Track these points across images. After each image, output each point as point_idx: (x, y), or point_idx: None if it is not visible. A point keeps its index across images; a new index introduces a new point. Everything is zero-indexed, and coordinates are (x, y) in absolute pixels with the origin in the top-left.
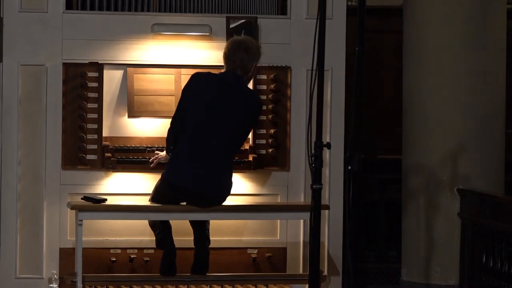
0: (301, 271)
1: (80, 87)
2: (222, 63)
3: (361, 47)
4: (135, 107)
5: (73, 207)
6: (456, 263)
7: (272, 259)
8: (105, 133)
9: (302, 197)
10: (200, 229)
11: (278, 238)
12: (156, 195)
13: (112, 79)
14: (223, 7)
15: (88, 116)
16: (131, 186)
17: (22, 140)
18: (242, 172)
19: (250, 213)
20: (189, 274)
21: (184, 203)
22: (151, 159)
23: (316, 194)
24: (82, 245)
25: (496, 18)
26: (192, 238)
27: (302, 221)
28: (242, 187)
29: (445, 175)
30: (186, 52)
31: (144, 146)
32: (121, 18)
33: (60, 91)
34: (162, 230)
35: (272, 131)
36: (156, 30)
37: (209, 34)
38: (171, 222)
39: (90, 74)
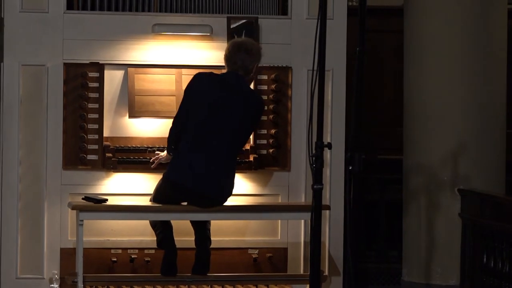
0: (302, 271)
1: (81, 87)
2: (223, 63)
3: (362, 47)
4: (136, 107)
5: (74, 207)
6: (457, 263)
7: (273, 259)
8: (106, 133)
9: (303, 197)
10: (201, 229)
11: (279, 238)
12: (157, 195)
13: (113, 79)
14: (223, 7)
15: (89, 116)
16: (132, 186)
17: (23, 140)
18: (243, 172)
19: (251, 213)
20: (190, 274)
21: (185, 203)
22: (151, 160)
23: (317, 194)
24: (83, 245)
25: (497, 18)
26: (193, 238)
27: (303, 221)
28: (243, 187)
29: (446, 175)
30: (187, 52)
31: (145, 146)
32: (122, 18)
33: (61, 91)
34: (163, 230)
35: (273, 131)
36: (157, 30)
37: (210, 34)
38: (172, 222)
39: (91, 74)
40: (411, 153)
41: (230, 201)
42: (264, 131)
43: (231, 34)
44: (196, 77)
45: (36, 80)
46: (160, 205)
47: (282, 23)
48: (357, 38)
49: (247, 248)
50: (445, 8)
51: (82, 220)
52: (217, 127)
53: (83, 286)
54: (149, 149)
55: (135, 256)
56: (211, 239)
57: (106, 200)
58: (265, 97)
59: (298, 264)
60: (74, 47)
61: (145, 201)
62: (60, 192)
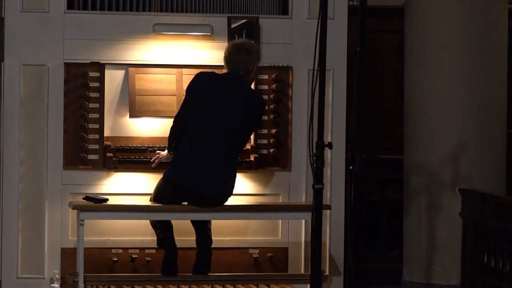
0: (302, 271)
1: (82, 87)
2: (223, 63)
3: (363, 47)
4: (136, 107)
5: (74, 207)
6: (458, 263)
7: (273, 259)
8: (106, 133)
9: (303, 197)
10: (202, 229)
11: (280, 238)
12: (158, 195)
13: (113, 79)
14: (224, 7)
15: (89, 116)
16: (133, 186)
17: (24, 140)
18: (244, 172)
19: (252, 213)
20: (190, 274)
21: (185, 203)
22: (152, 159)
23: (318, 194)
24: (83, 245)
25: (497, 18)
26: (194, 238)
27: (303, 221)
28: (243, 187)
29: (447, 175)
30: (188, 52)
31: (146, 146)
32: (123, 18)
33: (62, 91)
34: (163, 229)
35: (273, 131)
36: (158, 30)
37: (210, 34)
38: (173, 221)
39: (92, 74)
40: (412, 153)
41: (231, 201)
42: (265, 131)
43: (231, 34)
44: (197, 76)
45: (37, 80)
46: (160, 205)
47: (283, 22)
48: (358, 37)
49: (248, 248)
50: (445, 8)
51: (83, 220)
52: (217, 127)
53: (84, 286)
54: (149, 149)
55: (136, 256)
56: (212, 238)
57: (107, 200)
58: (265, 97)
59: (299, 264)
60: (74, 47)
61: (146, 201)
62: (61, 192)
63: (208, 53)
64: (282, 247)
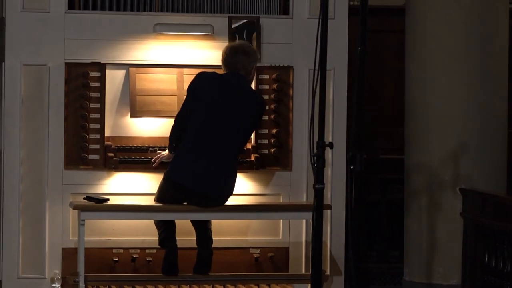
0: (303, 271)
1: (82, 87)
2: (221, 65)
3: (363, 47)
4: (137, 107)
5: (75, 207)
6: (458, 263)
7: (274, 259)
8: (107, 133)
9: (304, 197)
10: (202, 229)
11: (281, 238)
12: (160, 195)
13: (114, 79)
14: (225, 7)
15: (90, 116)
16: (133, 186)
17: (24, 140)
18: (244, 172)
19: (252, 213)
20: (191, 274)
21: (186, 203)
22: (153, 159)
23: (318, 194)
24: (84, 245)
25: (498, 18)
26: (195, 238)
27: (304, 221)
28: (244, 187)
29: (447, 175)
30: (188, 52)
31: (147, 146)
32: (123, 18)
33: (62, 91)
34: (165, 229)
35: (274, 130)
36: (158, 30)
37: (211, 34)
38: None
39: (92, 74)
40: (413, 153)
41: (232, 201)
42: (266, 131)
43: (232, 33)
44: (198, 76)
45: (38, 79)
46: (161, 204)
47: (284, 22)
48: (359, 37)
49: (249, 248)
50: (446, 8)
51: (84, 220)
52: (218, 127)
53: (84, 285)
54: (150, 148)
55: (137, 256)
56: (213, 238)
57: (108, 199)
58: (266, 97)
59: (300, 263)
60: (75, 47)
61: (147, 201)
62: (62, 192)
63: (209, 53)
64: (283, 247)
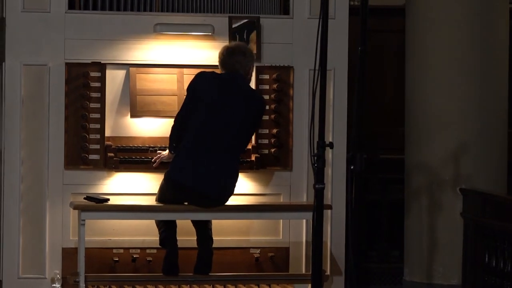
0: (303, 271)
1: (83, 87)
2: (219, 66)
3: (364, 47)
4: (137, 107)
5: (75, 207)
6: (459, 263)
7: (274, 259)
8: (107, 133)
9: (304, 197)
10: (202, 229)
11: (281, 238)
12: (161, 195)
13: (114, 79)
14: (225, 7)
15: (90, 116)
16: (134, 186)
17: (25, 140)
18: (245, 172)
19: (253, 213)
20: (192, 274)
21: (186, 203)
22: (153, 159)
23: (319, 194)
24: (84, 245)
25: (499, 18)
26: (195, 238)
27: (304, 221)
28: (244, 187)
29: (448, 175)
30: (189, 52)
31: (147, 146)
32: (124, 18)
33: (63, 91)
34: (166, 229)
35: (274, 130)
36: (159, 30)
37: (211, 34)
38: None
39: (93, 74)
40: (413, 153)
41: (232, 201)
42: (266, 131)
43: (232, 33)
44: (198, 76)
45: (38, 80)
46: (161, 204)
47: (284, 22)
48: (359, 37)
49: (249, 248)
50: (446, 8)
51: (84, 220)
52: (218, 127)
53: (85, 285)
54: (150, 148)
55: (137, 256)
56: (213, 238)
57: (108, 199)
58: (266, 97)
59: (300, 263)
60: (75, 47)
61: (147, 201)
62: (62, 192)
63: (209, 53)
64: (283, 247)
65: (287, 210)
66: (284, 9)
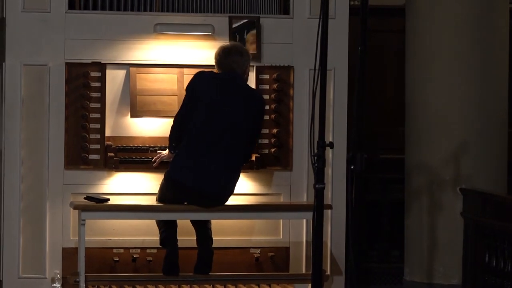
0: (304, 271)
1: (83, 86)
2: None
3: (364, 47)
4: (137, 106)
5: (76, 207)
6: (459, 263)
7: (275, 259)
8: (107, 133)
9: (304, 197)
10: (202, 229)
11: (281, 237)
12: (161, 195)
13: (114, 79)
14: (225, 7)
15: (90, 116)
16: (134, 186)
17: (25, 140)
18: (245, 171)
19: (253, 213)
20: (192, 273)
21: (186, 203)
22: (153, 159)
23: (319, 193)
24: (85, 245)
25: (499, 18)
26: (195, 238)
27: (304, 220)
28: (244, 187)
29: (448, 174)
30: (189, 51)
31: (147, 145)
32: (124, 18)
33: (63, 91)
34: (166, 229)
35: (274, 130)
36: (159, 30)
37: (211, 33)
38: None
39: (93, 74)
40: (413, 153)
41: (232, 201)
42: (266, 131)
43: (233, 33)
44: (196, 76)
45: (38, 79)
46: (161, 204)
47: (284, 22)
48: (359, 37)
49: (249, 248)
50: (446, 8)
51: (84, 220)
52: (217, 126)
53: (85, 285)
54: (151, 148)
55: (137, 256)
56: (213, 238)
57: (108, 199)
58: (266, 97)
59: (300, 263)
60: (76, 47)
61: (147, 201)
62: (62, 192)
63: (209, 53)
64: (283, 246)
65: (287, 210)
66: (284, 9)
